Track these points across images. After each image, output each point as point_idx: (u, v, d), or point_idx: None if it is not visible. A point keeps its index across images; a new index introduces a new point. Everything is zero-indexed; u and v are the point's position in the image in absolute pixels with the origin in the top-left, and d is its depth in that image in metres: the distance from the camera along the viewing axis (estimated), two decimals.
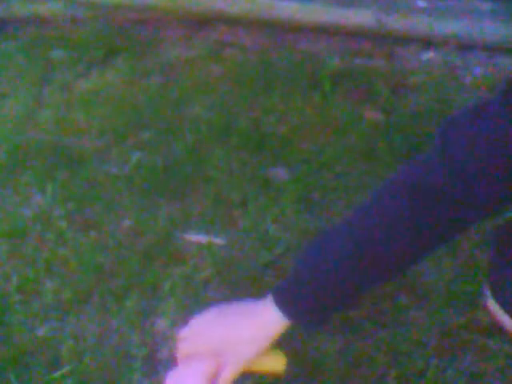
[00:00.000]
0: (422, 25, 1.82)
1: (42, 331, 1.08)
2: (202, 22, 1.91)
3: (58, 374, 1.01)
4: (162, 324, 1.08)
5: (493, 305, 1.03)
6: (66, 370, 1.02)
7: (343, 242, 0.80)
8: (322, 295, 0.81)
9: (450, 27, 1.80)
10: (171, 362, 1.00)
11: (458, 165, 0.74)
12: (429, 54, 1.80)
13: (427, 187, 0.75)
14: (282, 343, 0.95)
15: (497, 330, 1.03)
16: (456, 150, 0.74)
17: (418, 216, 0.77)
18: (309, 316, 0.83)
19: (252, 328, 0.84)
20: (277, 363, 0.91)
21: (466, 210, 0.77)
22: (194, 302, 1.10)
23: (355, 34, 1.83)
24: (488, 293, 1.04)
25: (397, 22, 1.82)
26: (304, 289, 0.82)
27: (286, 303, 0.83)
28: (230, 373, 0.85)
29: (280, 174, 1.39)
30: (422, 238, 0.79)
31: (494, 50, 1.77)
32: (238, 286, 1.14)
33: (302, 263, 0.84)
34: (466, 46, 1.79)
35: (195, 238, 1.25)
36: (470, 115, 0.76)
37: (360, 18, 1.83)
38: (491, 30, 1.78)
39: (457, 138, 0.75)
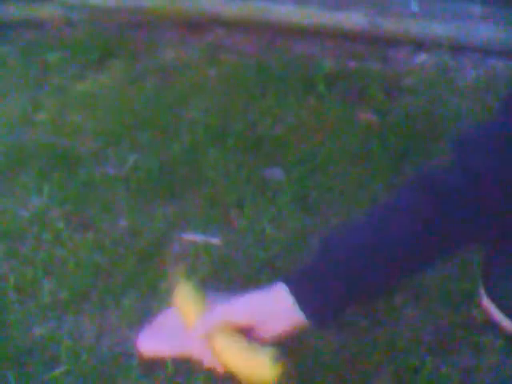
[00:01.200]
0: (415, 27, 1.84)
1: (39, 331, 1.09)
2: (198, 25, 1.92)
3: (55, 373, 1.02)
4: None
5: (487, 302, 1.04)
6: (63, 369, 1.02)
7: (362, 233, 0.82)
8: (337, 284, 0.81)
9: (443, 30, 1.82)
10: (168, 361, 1.01)
11: (474, 173, 0.79)
12: (422, 57, 1.82)
13: (445, 190, 0.79)
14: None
15: (491, 327, 1.04)
16: (471, 162, 0.80)
17: (433, 215, 0.80)
18: (322, 307, 0.82)
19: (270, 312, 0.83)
20: (268, 371, 0.85)
21: (479, 216, 0.80)
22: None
23: (349, 37, 1.85)
24: (482, 290, 1.05)
25: (390, 25, 1.84)
26: (321, 278, 0.82)
27: (301, 292, 0.81)
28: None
29: (276, 174, 1.40)
30: (433, 239, 0.81)
31: (486, 52, 1.79)
32: (234, 285, 1.15)
33: (319, 253, 0.84)
34: (458, 49, 1.80)
35: (192, 238, 1.26)
36: (481, 129, 0.82)
37: (354, 21, 1.85)
38: (483, 33, 1.80)
39: (471, 151, 0.80)
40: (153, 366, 1.01)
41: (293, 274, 0.85)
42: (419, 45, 1.82)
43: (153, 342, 0.94)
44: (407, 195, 0.83)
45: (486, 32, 1.79)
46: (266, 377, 0.84)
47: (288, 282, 0.83)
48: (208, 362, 0.87)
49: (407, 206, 0.82)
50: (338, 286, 0.82)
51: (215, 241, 1.25)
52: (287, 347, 0.91)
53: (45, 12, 1.98)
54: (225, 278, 1.17)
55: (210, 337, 0.86)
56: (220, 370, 0.87)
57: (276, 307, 0.83)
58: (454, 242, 0.84)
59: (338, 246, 0.83)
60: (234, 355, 0.86)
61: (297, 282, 0.83)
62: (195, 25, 1.92)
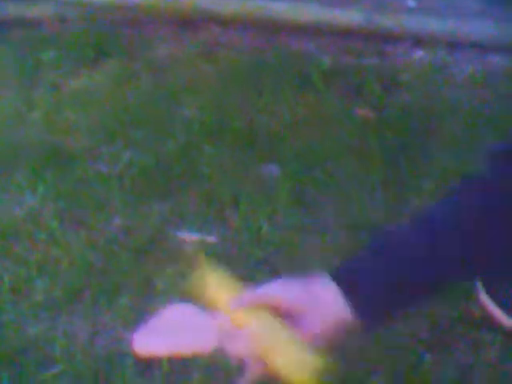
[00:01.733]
0: (412, 23, 1.83)
1: (33, 330, 1.08)
2: (193, 22, 1.91)
3: (50, 373, 1.01)
4: None
5: (485, 298, 1.03)
6: (58, 369, 1.01)
7: (417, 234, 0.79)
8: (390, 286, 0.77)
9: (440, 26, 1.81)
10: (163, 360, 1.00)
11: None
12: (419, 53, 1.81)
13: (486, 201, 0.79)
14: None
15: (489, 323, 1.03)
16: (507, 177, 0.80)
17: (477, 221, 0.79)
18: (374, 307, 0.78)
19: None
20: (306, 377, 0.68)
21: None
22: (187, 300, 1.09)
23: (346, 33, 1.84)
24: (480, 286, 1.05)
25: (387, 21, 1.83)
26: (373, 276, 0.78)
27: (352, 290, 0.74)
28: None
29: (272, 170, 1.39)
30: (483, 247, 0.79)
31: (483, 48, 1.78)
32: None
33: (370, 253, 0.80)
34: (455, 45, 1.79)
35: (187, 235, 1.25)
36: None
37: (351, 17, 1.84)
38: (480, 29, 1.79)
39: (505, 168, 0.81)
40: (148, 365, 1.00)
41: (340, 272, 0.81)
42: (416, 41, 1.81)
43: (148, 341, 0.93)
44: (453, 199, 0.82)
45: (482, 28, 1.79)
46: (300, 378, 0.68)
47: (337, 279, 0.79)
48: (233, 348, 0.79)
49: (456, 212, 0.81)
50: (391, 284, 0.78)
51: (211, 238, 1.24)
52: None
53: (39, 10, 1.97)
54: None
55: (246, 316, 0.78)
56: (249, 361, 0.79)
57: (333, 294, 0.78)
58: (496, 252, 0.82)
59: (390, 247, 0.80)
60: (273, 344, 0.71)
61: (348, 278, 0.79)
62: (190, 22, 1.91)
